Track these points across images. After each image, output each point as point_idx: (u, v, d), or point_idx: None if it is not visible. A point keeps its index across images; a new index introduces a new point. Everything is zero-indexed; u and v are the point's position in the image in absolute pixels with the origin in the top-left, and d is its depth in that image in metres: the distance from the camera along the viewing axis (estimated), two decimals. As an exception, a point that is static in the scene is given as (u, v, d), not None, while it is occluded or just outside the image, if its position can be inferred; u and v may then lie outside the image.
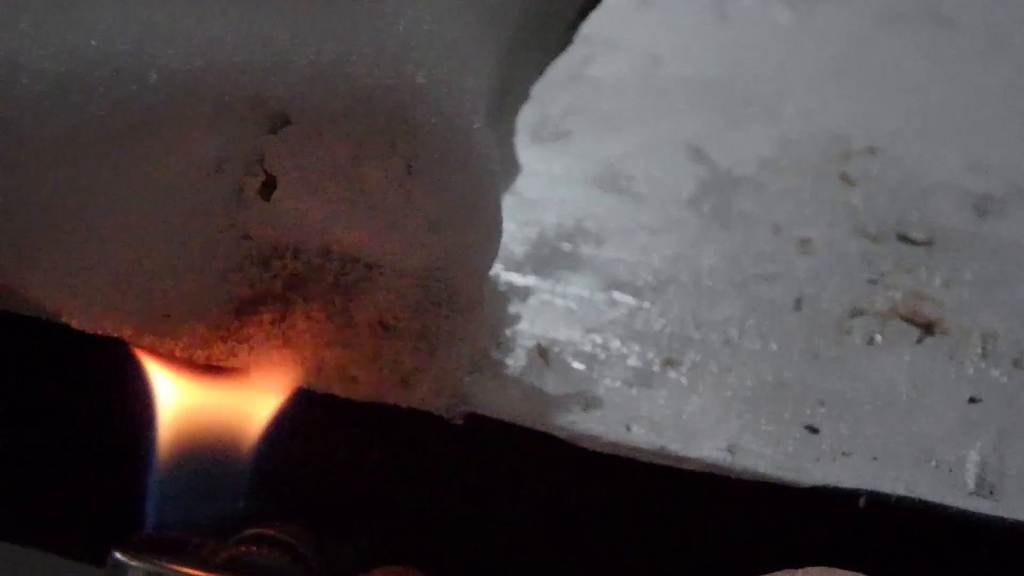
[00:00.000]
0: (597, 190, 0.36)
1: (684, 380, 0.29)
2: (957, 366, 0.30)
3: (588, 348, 0.30)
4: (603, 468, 0.27)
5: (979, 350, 0.30)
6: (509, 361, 0.29)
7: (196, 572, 0.25)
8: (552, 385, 0.28)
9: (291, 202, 0.25)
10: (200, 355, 0.25)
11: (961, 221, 0.36)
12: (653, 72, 0.43)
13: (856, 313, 0.32)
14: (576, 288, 0.32)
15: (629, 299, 0.32)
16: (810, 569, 0.22)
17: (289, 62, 0.24)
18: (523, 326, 0.30)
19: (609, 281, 0.32)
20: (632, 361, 0.30)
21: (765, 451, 0.27)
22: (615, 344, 0.30)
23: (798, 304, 0.32)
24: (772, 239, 0.35)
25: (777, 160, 0.40)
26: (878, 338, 0.31)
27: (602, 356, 0.30)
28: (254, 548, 0.26)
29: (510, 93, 0.29)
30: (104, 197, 0.24)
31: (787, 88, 0.45)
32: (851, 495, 0.26)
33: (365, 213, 0.25)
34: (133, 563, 0.25)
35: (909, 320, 0.31)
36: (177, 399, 0.26)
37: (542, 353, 0.28)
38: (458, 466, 0.28)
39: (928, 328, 0.31)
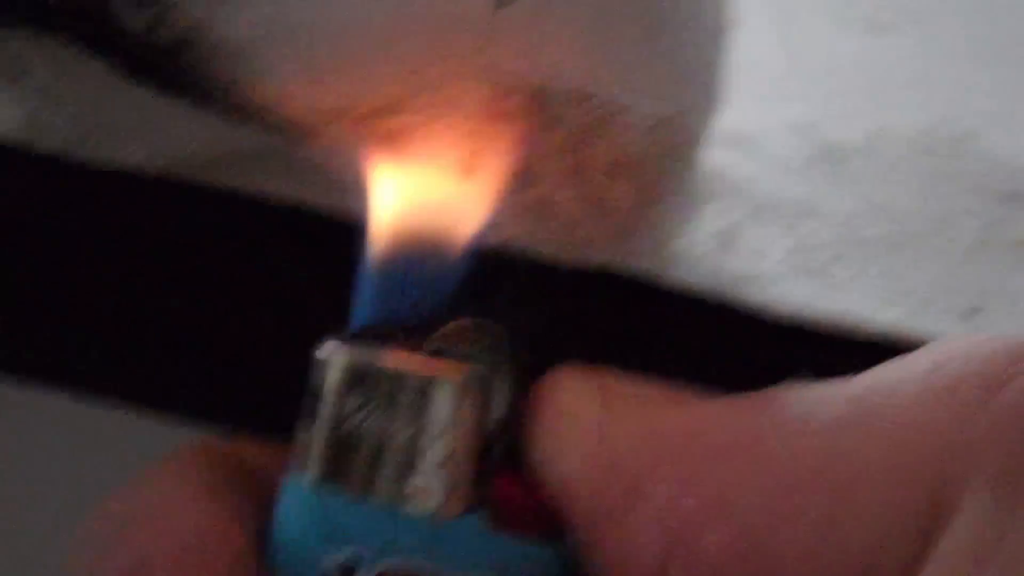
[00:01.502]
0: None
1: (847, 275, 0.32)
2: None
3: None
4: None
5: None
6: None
7: (405, 357, 0.25)
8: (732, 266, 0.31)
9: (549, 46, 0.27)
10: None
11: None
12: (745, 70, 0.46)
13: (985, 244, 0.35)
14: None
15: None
16: None
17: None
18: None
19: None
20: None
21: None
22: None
23: (933, 234, 0.35)
24: (893, 190, 0.38)
25: (883, 135, 0.43)
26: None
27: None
28: (458, 339, 0.26)
29: None
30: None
31: (870, 91, 0.49)
32: None
33: (618, 60, 0.27)
34: (340, 354, 0.25)
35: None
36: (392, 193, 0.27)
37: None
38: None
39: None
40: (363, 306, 0.27)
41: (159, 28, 0.27)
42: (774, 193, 0.37)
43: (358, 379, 0.25)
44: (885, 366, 0.24)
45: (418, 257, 0.27)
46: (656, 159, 0.27)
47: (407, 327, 0.26)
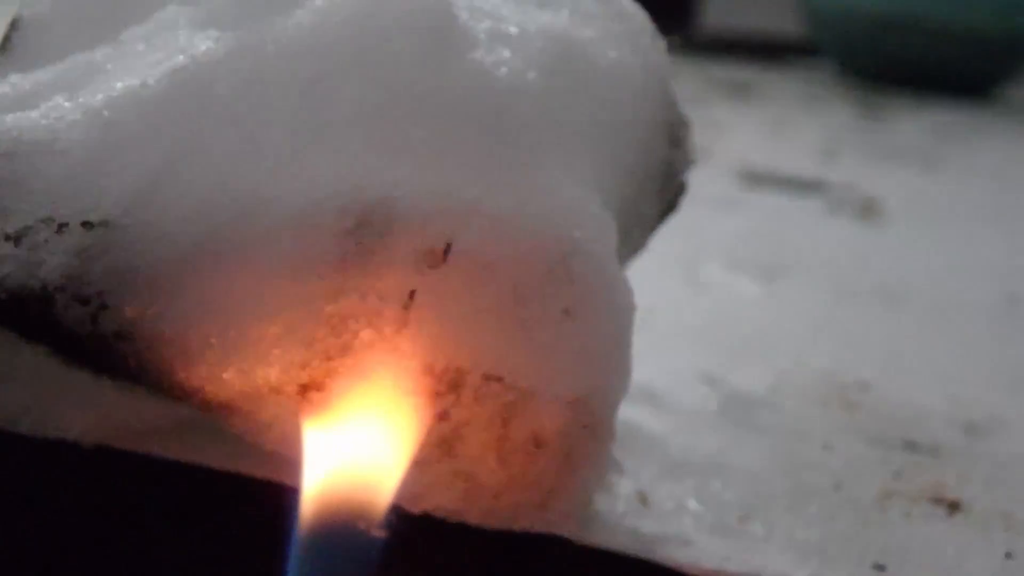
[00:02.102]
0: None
1: (760, 532, 0.33)
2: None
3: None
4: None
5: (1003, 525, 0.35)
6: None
7: None
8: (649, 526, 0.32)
9: (463, 332, 0.29)
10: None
11: (957, 438, 0.42)
12: (652, 320, 0.49)
13: (888, 495, 0.37)
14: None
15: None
16: None
17: (478, 212, 0.28)
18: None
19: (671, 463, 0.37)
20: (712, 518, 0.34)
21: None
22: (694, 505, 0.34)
23: (837, 487, 0.37)
24: (798, 444, 0.40)
25: (784, 387, 0.45)
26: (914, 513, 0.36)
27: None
28: None
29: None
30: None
31: (769, 339, 0.52)
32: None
33: (525, 346, 0.29)
34: None
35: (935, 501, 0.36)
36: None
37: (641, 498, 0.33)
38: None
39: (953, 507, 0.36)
40: (295, 572, 0.28)
41: (98, 321, 0.28)
42: (686, 449, 0.38)
43: None
44: None
45: (345, 525, 0.29)
46: (572, 435, 0.29)
47: None
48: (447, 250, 0.28)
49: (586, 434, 0.29)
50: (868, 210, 0.81)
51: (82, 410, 0.32)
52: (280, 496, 0.30)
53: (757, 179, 0.88)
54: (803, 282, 0.60)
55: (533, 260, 0.29)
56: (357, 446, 0.29)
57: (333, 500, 0.28)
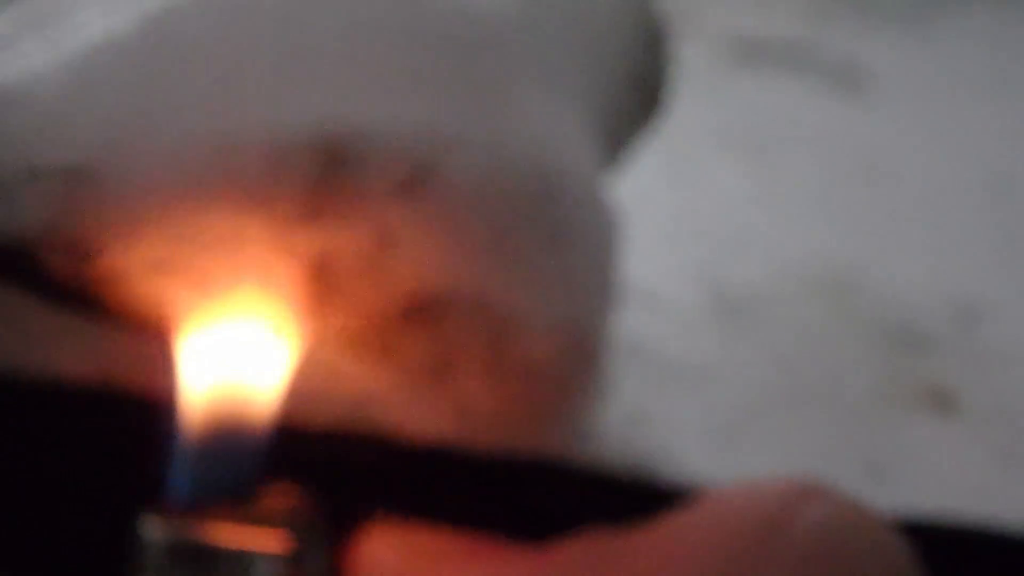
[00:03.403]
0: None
1: (756, 439, 0.34)
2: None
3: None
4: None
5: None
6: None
7: (223, 528, 0.27)
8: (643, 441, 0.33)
9: (446, 262, 0.29)
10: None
11: (953, 326, 0.42)
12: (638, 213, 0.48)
13: (884, 394, 0.37)
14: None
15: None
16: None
17: (458, 142, 0.28)
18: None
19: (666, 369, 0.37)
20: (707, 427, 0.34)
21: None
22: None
23: (833, 387, 0.37)
24: (793, 342, 0.41)
25: (777, 280, 0.45)
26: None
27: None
28: (271, 505, 0.28)
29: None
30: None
31: (759, 229, 0.51)
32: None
33: (512, 274, 0.29)
34: (160, 532, 0.26)
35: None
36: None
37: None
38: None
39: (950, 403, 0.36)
40: (178, 480, 0.28)
41: (81, 268, 0.28)
42: (680, 352, 0.38)
43: (178, 554, 0.27)
44: (680, 512, 0.26)
45: (228, 432, 0.29)
46: (563, 358, 0.29)
47: (225, 497, 0.28)
48: (424, 180, 0.28)
49: (577, 356, 0.29)
50: (857, 83, 0.80)
51: (69, 350, 0.32)
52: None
53: (745, 51, 0.87)
54: (791, 165, 0.60)
55: (515, 189, 0.28)
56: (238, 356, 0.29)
57: (216, 405, 0.29)
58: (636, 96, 0.34)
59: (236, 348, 0.29)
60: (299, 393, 0.31)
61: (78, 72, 0.28)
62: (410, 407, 0.30)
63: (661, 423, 0.35)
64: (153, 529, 0.27)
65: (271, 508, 0.29)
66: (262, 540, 0.27)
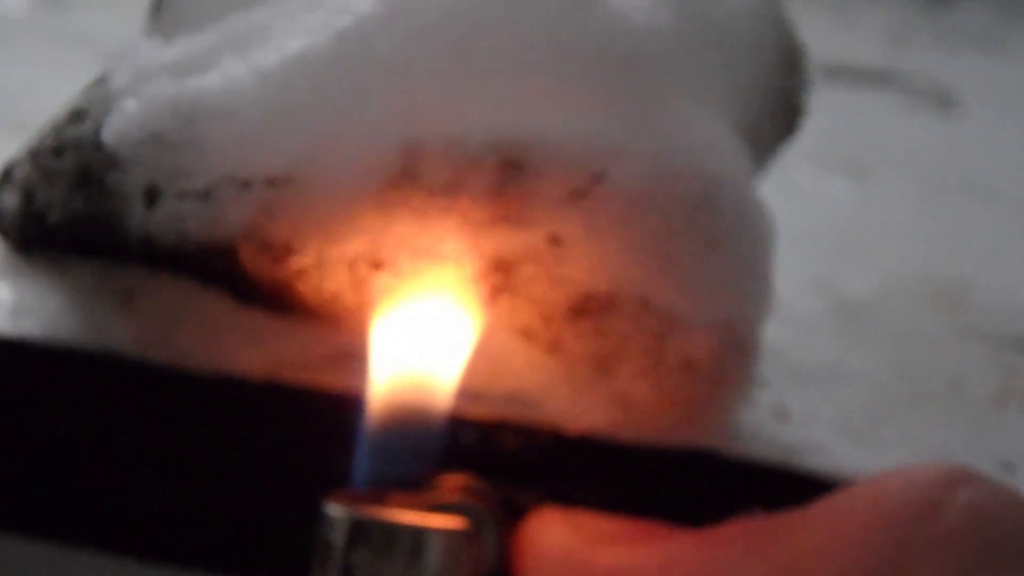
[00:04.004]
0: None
1: (889, 436, 0.36)
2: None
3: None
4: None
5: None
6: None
7: (401, 516, 0.28)
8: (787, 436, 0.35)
9: (615, 263, 0.31)
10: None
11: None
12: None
13: (1005, 394, 0.39)
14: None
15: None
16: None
17: (623, 151, 0.30)
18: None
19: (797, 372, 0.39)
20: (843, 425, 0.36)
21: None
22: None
23: (954, 389, 0.39)
24: (911, 347, 0.42)
25: (889, 289, 0.47)
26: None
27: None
28: (453, 496, 0.30)
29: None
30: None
31: (868, 241, 0.53)
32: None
33: (673, 275, 0.31)
34: (344, 513, 0.28)
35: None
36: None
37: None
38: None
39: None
40: (364, 467, 0.31)
41: (279, 266, 0.31)
42: (807, 357, 0.40)
43: (362, 533, 0.29)
44: (836, 496, 0.27)
45: (409, 421, 0.31)
46: (720, 356, 0.31)
47: (404, 484, 0.30)
48: (594, 186, 0.30)
49: (733, 354, 0.31)
50: (945, 101, 0.82)
51: (252, 346, 0.34)
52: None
53: (827, 72, 0.89)
54: (891, 180, 0.62)
55: (678, 195, 0.31)
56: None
57: (398, 401, 0.31)
58: (776, 113, 0.36)
59: (419, 340, 0.32)
60: (467, 385, 0.33)
61: (277, 87, 0.30)
62: (574, 400, 0.32)
63: (801, 420, 0.37)
64: (338, 509, 0.29)
65: (447, 493, 0.31)
66: (438, 521, 0.29)
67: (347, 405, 0.33)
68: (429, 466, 0.31)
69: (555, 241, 0.30)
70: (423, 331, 0.31)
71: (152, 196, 0.29)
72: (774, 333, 0.40)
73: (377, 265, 0.30)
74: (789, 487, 0.33)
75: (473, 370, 0.33)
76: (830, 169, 0.63)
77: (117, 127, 0.30)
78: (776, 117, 0.36)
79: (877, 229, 0.54)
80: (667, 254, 0.31)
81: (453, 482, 0.31)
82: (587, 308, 0.31)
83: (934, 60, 0.98)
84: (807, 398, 0.37)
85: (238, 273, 0.30)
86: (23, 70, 0.58)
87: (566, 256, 0.31)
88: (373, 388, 0.31)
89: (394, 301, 0.31)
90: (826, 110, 0.73)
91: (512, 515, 0.31)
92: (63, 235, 0.31)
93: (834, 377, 0.39)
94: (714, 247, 0.31)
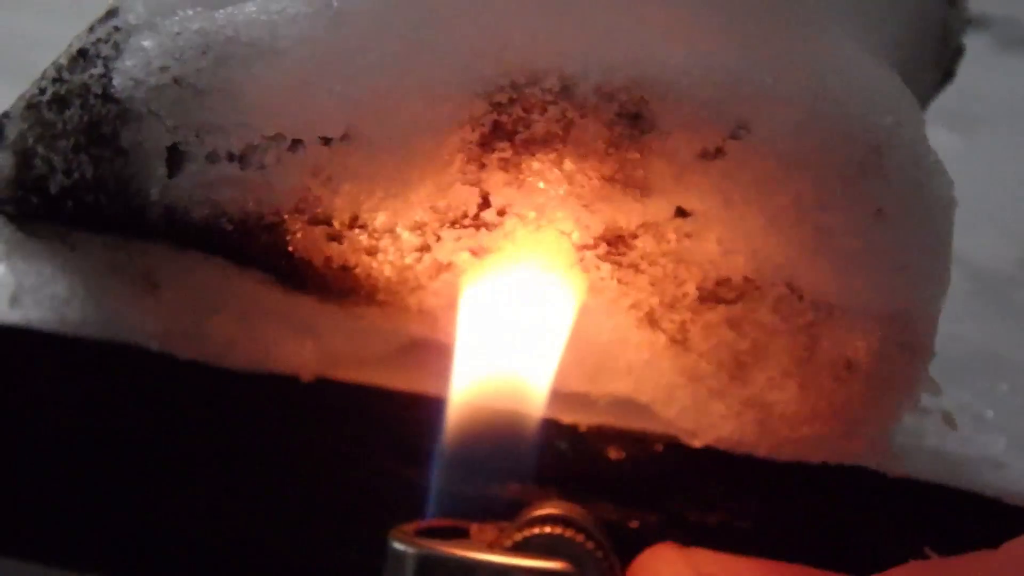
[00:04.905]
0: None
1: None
2: None
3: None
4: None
5: None
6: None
7: (488, 556, 0.24)
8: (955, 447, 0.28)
9: (755, 240, 0.24)
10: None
11: None
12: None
13: None
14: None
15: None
16: None
17: (770, 97, 0.23)
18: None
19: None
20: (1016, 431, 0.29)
21: None
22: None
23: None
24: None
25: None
26: None
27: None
28: (545, 528, 0.25)
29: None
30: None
31: (994, 203, 0.46)
32: None
33: (830, 255, 0.24)
34: (415, 550, 0.23)
35: None
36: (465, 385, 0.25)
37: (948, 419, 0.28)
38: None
39: None
40: (440, 487, 0.26)
41: (340, 242, 0.24)
42: (954, 343, 0.34)
43: (434, 573, 0.24)
44: None
45: (496, 435, 0.26)
46: (888, 356, 0.24)
47: (485, 513, 0.25)
48: (732, 142, 0.23)
49: (904, 354, 0.25)
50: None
51: (300, 339, 0.28)
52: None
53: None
54: (1001, 133, 0.55)
55: (838, 153, 0.24)
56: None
57: (485, 406, 0.26)
58: (933, 53, 0.30)
59: (509, 333, 0.25)
60: (567, 383, 0.27)
61: (334, 19, 0.23)
62: (703, 407, 0.26)
63: (966, 425, 0.30)
64: (405, 544, 0.24)
65: (540, 524, 0.25)
66: (528, 560, 0.24)
67: (420, 410, 0.27)
68: (520, 486, 0.26)
69: (682, 212, 0.24)
70: (514, 322, 0.25)
71: (176, 158, 0.23)
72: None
73: (458, 240, 0.24)
74: (962, 511, 0.26)
75: (577, 363, 0.26)
76: (936, 121, 0.56)
77: (132, 71, 0.23)
78: (934, 56, 0.29)
79: (1000, 191, 0.47)
80: (822, 229, 0.24)
81: (549, 509, 0.24)
82: (720, 295, 0.25)
83: (1022, 4, 0.91)
84: (968, 398, 0.30)
85: (285, 253, 0.24)
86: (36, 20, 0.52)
87: (696, 231, 0.24)
88: (453, 390, 0.25)
89: (480, 285, 0.24)
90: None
91: (619, 549, 0.25)
92: (68, 206, 0.24)
93: (992, 370, 0.32)
94: (881, 220, 0.24)
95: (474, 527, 0.25)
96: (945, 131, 0.55)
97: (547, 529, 0.25)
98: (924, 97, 0.30)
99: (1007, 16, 0.83)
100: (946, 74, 0.30)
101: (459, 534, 0.25)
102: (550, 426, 0.27)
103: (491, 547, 0.24)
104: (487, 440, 0.25)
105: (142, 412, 0.29)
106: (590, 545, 0.24)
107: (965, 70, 0.67)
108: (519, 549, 0.24)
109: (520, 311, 0.25)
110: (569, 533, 0.25)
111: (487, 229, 0.24)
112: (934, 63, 0.30)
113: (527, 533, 0.25)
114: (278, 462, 0.29)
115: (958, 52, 0.30)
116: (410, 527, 0.24)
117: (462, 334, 0.25)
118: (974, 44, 0.74)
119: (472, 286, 0.25)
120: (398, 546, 0.24)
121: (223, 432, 0.30)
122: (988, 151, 0.54)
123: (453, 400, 0.25)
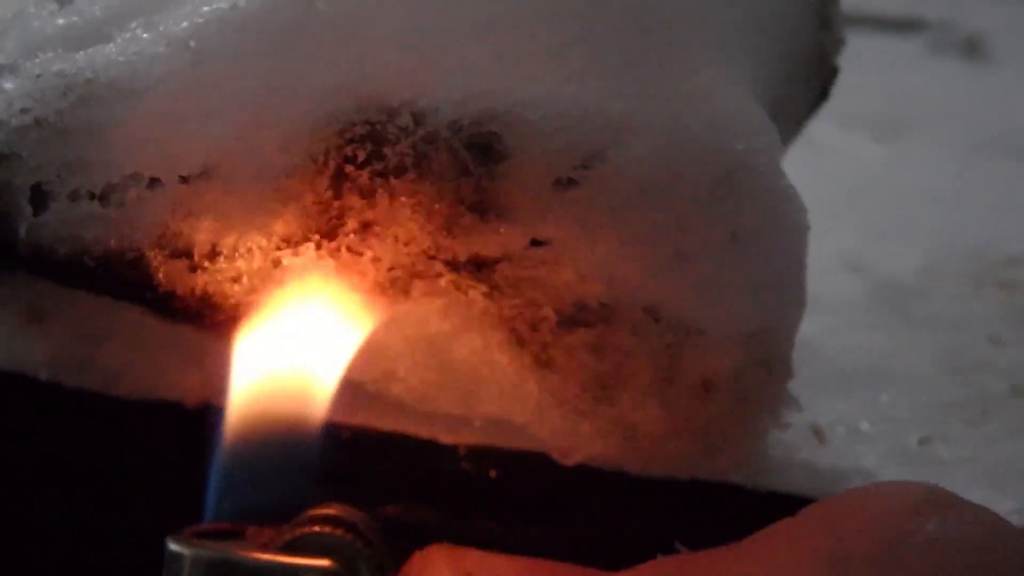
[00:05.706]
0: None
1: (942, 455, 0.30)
2: None
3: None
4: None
5: None
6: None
7: (257, 555, 0.24)
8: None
9: (613, 265, 0.25)
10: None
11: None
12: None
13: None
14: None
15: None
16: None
17: (626, 125, 0.24)
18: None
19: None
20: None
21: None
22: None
23: (1014, 391, 0.33)
24: (961, 338, 0.36)
25: (932, 269, 0.41)
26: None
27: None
28: (316, 528, 0.25)
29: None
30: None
31: (904, 211, 0.47)
32: None
33: (687, 278, 0.25)
34: (189, 551, 0.24)
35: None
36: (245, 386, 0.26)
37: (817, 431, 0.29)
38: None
39: None
40: (218, 492, 0.26)
41: (197, 274, 0.25)
42: (844, 352, 0.34)
43: (209, 572, 0.24)
44: (790, 520, 0.24)
45: (273, 440, 0.26)
46: (746, 375, 0.25)
47: (263, 514, 0.26)
48: (587, 171, 0.24)
49: (762, 373, 0.25)
50: (973, 49, 0.75)
51: (185, 368, 0.29)
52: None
53: (849, 20, 0.82)
54: (923, 139, 0.55)
55: (691, 179, 0.25)
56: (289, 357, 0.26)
57: (261, 412, 0.26)
58: (807, 74, 0.30)
59: (290, 339, 0.26)
60: (439, 405, 0.27)
61: (193, 59, 0.24)
62: (573, 427, 0.26)
63: (840, 438, 0.31)
64: (180, 546, 0.25)
65: (315, 525, 0.26)
66: (300, 564, 0.25)
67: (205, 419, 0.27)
68: (299, 490, 0.26)
69: (537, 242, 0.24)
70: (296, 330, 0.25)
71: (40, 197, 0.23)
72: (804, 325, 0.34)
73: (317, 263, 0.25)
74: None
75: (447, 386, 0.27)
76: (855, 129, 0.57)
77: (-5, 112, 0.24)
78: (808, 77, 0.30)
79: (913, 198, 0.48)
80: (678, 253, 0.25)
81: (324, 510, 0.26)
82: (579, 319, 0.25)
83: (959, 7, 0.92)
84: (844, 407, 0.31)
85: (151, 286, 0.24)
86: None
87: (552, 258, 0.25)
88: (230, 397, 0.26)
89: (274, 302, 0.25)
90: (847, 63, 0.67)
91: (397, 550, 0.26)
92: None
93: (874, 377, 0.33)
94: (736, 242, 0.25)
95: (251, 530, 0.25)
96: (869, 138, 0.56)
97: (316, 529, 0.25)
98: (798, 117, 0.31)
99: (942, 19, 0.84)
100: (821, 94, 0.31)
101: (239, 536, 0.25)
102: (427, 446, 0.27)
103: (263, 547, 0.25)
104: (266, 447, 0.26)
105: (30, 440, 0.30)
106: (360, 544, 0.25)
107: (896, 73, 0.68)
108: (289, 548, 0.25)
109: (304, 325, 0.26)
110: (339, 532, 0.25)
111: (348, 252, 0.24)
112: (808, 84, 0.31)
113: (297, 533, 0.25)
114: (169, 488, 0.30)
115: (833, 73, 0.31)
116: (192, 530, 0.25)
117: (246, 342, 0.25)
118: (907, 47, 0.75)
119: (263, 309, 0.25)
120: (173, 547, 0.24)
121: (112, 458, 0.30)
122: (910, 158, 0.54)
123: (230, 408, 0.26)
